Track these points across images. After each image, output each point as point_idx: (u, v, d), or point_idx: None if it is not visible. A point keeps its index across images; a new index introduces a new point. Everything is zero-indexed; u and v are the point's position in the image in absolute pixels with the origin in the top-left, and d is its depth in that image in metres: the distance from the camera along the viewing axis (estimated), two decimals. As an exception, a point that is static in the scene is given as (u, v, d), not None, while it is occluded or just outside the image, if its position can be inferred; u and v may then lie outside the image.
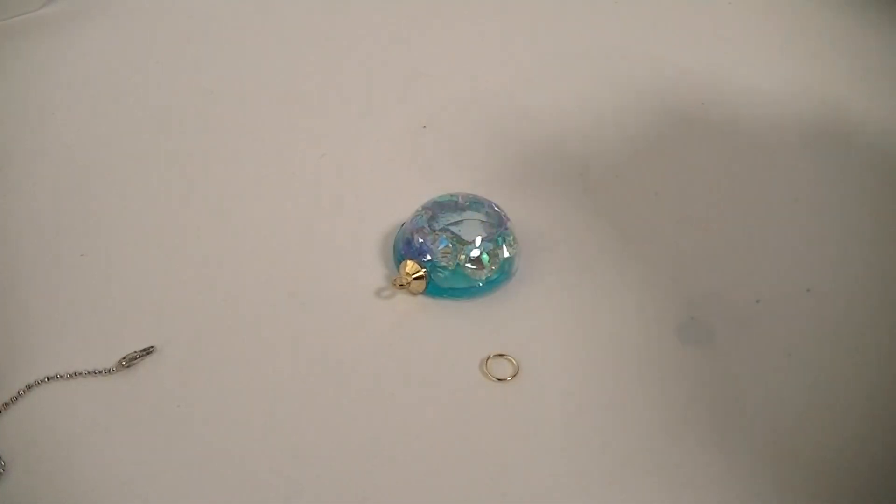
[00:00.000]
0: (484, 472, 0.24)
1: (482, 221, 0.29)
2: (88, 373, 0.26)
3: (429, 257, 0.28)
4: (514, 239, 0.29)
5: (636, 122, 0.34)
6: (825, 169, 0.33)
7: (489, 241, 0.28)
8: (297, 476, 0.24)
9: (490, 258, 0.28)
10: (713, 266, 0.29)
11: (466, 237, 0.28)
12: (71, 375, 0.26)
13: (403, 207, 0.30)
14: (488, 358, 0.27)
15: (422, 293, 0.28)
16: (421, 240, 0.28)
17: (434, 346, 0.27)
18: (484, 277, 0.28)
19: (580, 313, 0.28)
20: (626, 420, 0.25)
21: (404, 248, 0.28)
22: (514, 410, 0.26)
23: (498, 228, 0.28)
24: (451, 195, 0.29)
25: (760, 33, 0.39)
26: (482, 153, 0.33)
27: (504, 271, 0.28)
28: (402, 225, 0.29)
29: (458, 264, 0.28)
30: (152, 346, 0.27)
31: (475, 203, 0.29)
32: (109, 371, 0.26)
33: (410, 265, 0.28)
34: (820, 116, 0.35)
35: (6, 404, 0.25)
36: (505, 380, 0.26)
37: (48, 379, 0.26)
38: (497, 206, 0.29)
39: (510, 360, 0.27)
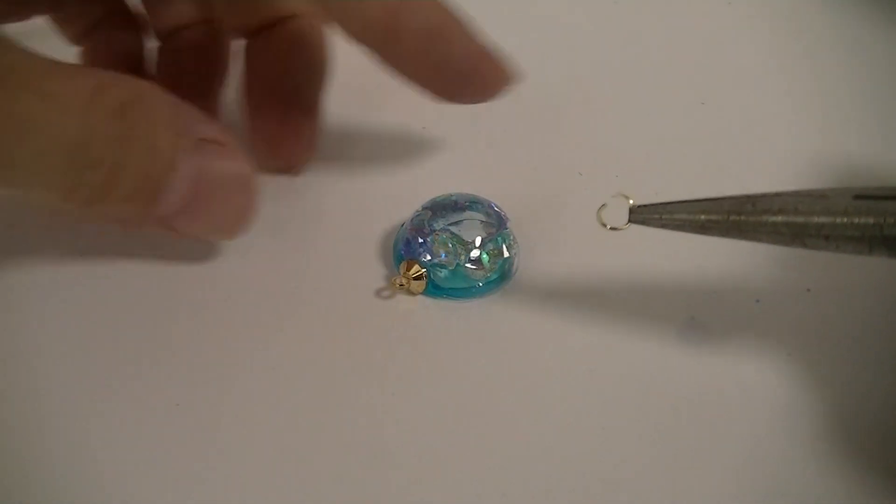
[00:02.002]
0: (485, 473, 0.24)
1: (482, 221, 0.29)
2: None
3: (429, 257, 0.28)
4: (514, 239, 0.29)
5: (636, 121, 0.34)
6: (825, 167, 0.33)
7: (489, 241, 0.28)
8: (295, 476, 0.24)
9: (490, 258, 0.28)
10: (713, 266, 0.29)
11: (466, 237, 0.28)
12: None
13: (403, 207, 0.30)
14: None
15: (422, 293, 0.28)
16: (421, 240, 0.28)
17: (434, 346, 0.27)
18: (484, 278, 0.28)
19: (580, 313, 0.28)
20: (627, 420, 0.25)
21: (404, 248, 0.28)
22: (515, 411, 0.26)
23: (498, 228, 0.28)
24: (451, 195, 0.29)
25: (761, 33, 0.39)
26: (482, 153, 0.33)
27: (504, 271, 0.28)
28: (402, 225, 0.29)
29: (458, 264, 0.28)
30: None
31: (475, 203, 0.29)
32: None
33: (410, 265, 0.28)
34: (820, 115, 0.35)
35: None
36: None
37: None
38: (497, 206, 0.29)
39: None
